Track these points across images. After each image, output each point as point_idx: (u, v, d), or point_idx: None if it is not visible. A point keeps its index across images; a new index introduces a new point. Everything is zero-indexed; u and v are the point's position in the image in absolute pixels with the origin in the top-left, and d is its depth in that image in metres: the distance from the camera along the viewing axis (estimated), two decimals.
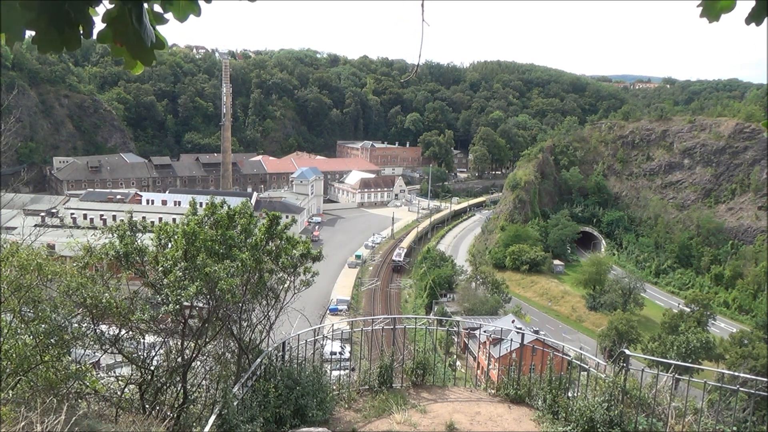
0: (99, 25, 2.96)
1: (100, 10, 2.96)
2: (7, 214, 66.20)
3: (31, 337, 9.14)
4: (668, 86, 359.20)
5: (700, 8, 3.08)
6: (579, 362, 12.64)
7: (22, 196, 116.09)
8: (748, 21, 3.03)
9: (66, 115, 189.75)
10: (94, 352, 10.81)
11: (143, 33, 2.95)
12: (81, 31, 2.90)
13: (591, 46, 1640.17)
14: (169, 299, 9.61)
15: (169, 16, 3.14)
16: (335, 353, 19.07)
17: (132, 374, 10.70)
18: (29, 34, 2.90)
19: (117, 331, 10.15)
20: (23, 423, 6.73)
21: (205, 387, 11.17)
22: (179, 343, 10.47)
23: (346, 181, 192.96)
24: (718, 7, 3.05)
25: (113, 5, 2.91)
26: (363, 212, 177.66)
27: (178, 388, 10.58)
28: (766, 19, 3.01)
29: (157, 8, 3.09)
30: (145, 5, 3.00)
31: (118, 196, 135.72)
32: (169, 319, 10.21)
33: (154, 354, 10.82)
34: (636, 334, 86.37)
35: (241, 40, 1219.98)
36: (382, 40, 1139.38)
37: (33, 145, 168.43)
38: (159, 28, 3.15)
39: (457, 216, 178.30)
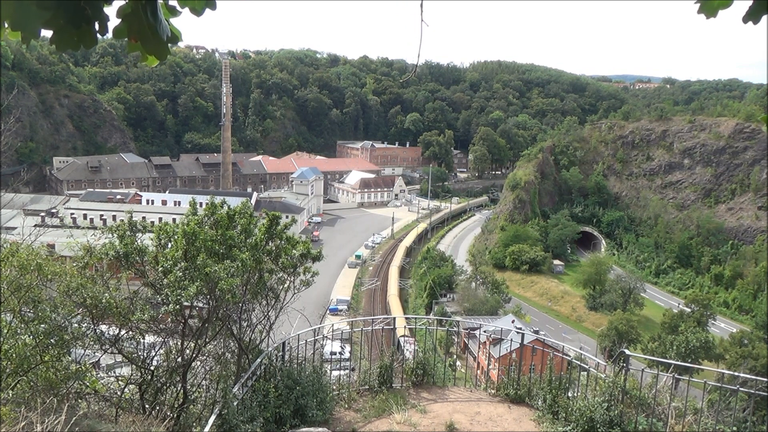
0: (113, 21, 2.98)
1: (115, 6, 2.96)
2: (7, 214, 66.17)
3: (31, 337, 9.13)
4: (668, 86, 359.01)
5: (698, 5, 3.07)
6: (579, 362, 12.64)
7: (22, 196, 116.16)
8: (745, 19, 3.01)
9: (66, 115, 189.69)
10: (94, 352, 10.79)
11: (158, 27, 2.95)
12: (97, 28, 2.91)
13: (591, 46, 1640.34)
14: (169, 299, 9.60)
15: (182, 10, 3.13)
16: (335, 353, 19.06)
17: (132, 374, 10.68)
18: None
19: (117, 331, 10.14)
20: (23, 423, 6.72)
21: (205, 387, 11.16)
22: (179, 343, 10.46)
23: (346, 181, 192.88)
24: (715, 3, 3.04)
25: (127, 1, 2.92)
26: (363, 212, 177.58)
27: (178, 388, 10.57)
28: (764, 18, 3.00)
29: (172, 1, 3.09)
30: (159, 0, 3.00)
31: (118, 196, 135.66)
32: (169, 319, 10.20)
33: (154, 354, 10.81)
34: (636, 334, 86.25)
35: (241, 40, 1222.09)
36: (382, 40, 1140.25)
37: (33, 145, 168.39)
38: (173, 20, 3.15)
39: (457, 216, 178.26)
